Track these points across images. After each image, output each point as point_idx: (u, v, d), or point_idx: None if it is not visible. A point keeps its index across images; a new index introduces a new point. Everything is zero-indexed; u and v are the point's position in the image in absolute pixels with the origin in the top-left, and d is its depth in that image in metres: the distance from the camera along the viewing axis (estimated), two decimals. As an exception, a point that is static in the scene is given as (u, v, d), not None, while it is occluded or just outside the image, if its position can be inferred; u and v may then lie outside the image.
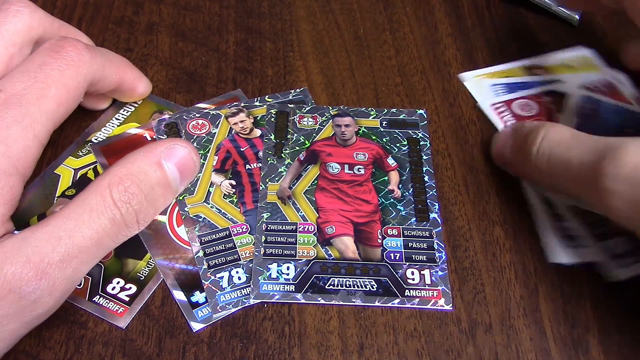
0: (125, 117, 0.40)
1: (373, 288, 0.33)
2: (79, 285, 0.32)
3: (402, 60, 0.44)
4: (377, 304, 0.32)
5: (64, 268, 0.27)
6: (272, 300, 0.32)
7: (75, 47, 0.32)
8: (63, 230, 0.27)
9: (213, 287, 0.33)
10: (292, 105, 0.40)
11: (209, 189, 0.36)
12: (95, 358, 0.30)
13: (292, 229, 0.35)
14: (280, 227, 0.35)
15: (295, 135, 0.39)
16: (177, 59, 0.43)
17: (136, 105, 0.40)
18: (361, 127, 0.39)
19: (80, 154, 0.38)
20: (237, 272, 0.33)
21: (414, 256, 0.34)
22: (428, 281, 0.33)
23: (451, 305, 0.33)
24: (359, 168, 0.37)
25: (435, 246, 0.34)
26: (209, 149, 0.38)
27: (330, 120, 0.40)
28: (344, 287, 0.33)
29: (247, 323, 0.32)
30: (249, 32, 0.45)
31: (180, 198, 0.35)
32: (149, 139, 0.38)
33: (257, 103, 0.40)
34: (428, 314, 0.32)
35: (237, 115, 0.40)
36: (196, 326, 0.32)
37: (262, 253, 0.34)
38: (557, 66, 0.44)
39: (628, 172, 0.28)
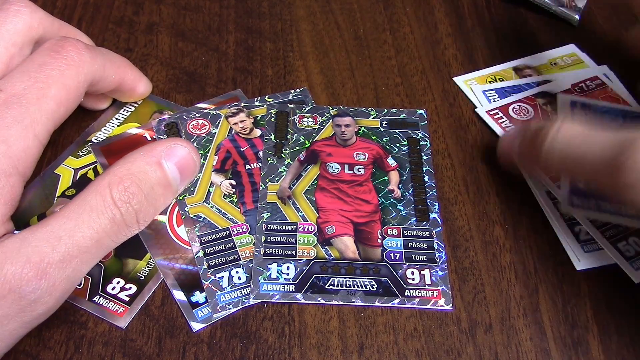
0: (125, 117, 0.40)
1: (373, 288, 0.33)
2: (79, 285, 0.32)
3: (402, 60, 0.44)
4: (377, 304, 0.32)
5: (64, 268, 0.27)
6: (272, 300, 0.32)
7: (76, 47, 0.32)
8: (63, 230, 0.27)
9: (213, 287, 0.33)
10: (292, 105, 0.40)
11: (209, 189, 0.36)
12: (95, 358, 0.30)
13: (292, 229, 0.35)
14: (280, 227, 0.35)
15: (295, 135, 0.39)
16: (177, 59, 0.43)
17: (136, 105, 0.40)
18: (361, 127, 0.40)
19: (80, 154, 0.38)
20: (237, 272, 0.33)
21: (414, 256, 0.34)
22: (428, 281, 0.33)
23: (451, 305, 0.33)
24: (359, 168, 0.37)
25: (435, 246, 0.34)
26: (209, 149, 0.38)
27: (330, 120, 0.40)
28: (344, 287, 0.33)
29: (247, 323, 0.32)
30: (249, 32, 0.45)
31: (180, 198, 0.36)
32: (149, 139, 0.38)
33: (257, 103, 0.40)
34: (428, 314, 0.32)
35: (237, 115, 0.40)
36: (196, 326, 0.32)
37: (262, 253, 0.34)
38: (546, 66, 0.44)
39: None
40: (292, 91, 0.42)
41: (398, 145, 0.39)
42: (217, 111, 0.40)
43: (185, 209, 0.35)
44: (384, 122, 0.40)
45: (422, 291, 0.33)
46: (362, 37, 0.46)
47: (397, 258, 0.34)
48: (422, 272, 0.33)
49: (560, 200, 0.36)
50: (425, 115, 0.40)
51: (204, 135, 0.38)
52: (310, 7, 0.48)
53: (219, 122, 0.39)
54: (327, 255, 0.34)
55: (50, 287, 0.27)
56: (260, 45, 0.45)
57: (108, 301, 0.32)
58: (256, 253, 0.34)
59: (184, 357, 0.31)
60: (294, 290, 0.33)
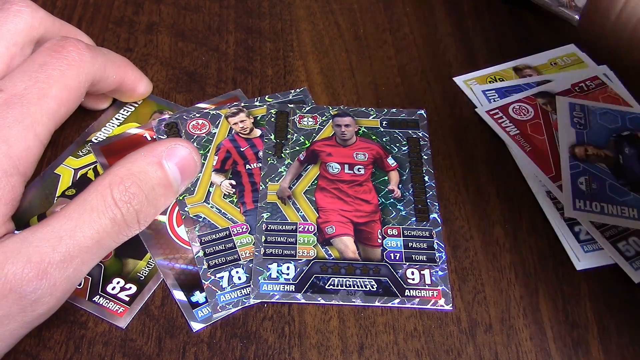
0: (125, 117, 0.40)
1: (373, 288, 0.33)
2: (79, 285, 0.32)
3: (402, 60, 0.44)
4: (377, 304, 0.32)
5: (65, 268, 0.27)
6: (272, 300, 0.32)
7: (77, 47, 0.32)
8: (64, 230, 0.27)
9: (213, 287, 0.33)
10: (292, 105, 0.41)
11: (209, 189, 0.36)
12: (95, 358, 0.30)
13: (292, 229, 0.35)
14: (280, 227, 0.35)
15: (295, 135, 0.39)
16: (177, 59, 0.43)
17: (136, 105, 0.40)
18: (361, 127, 0.40)
19: (80, 154, 0.38)
20: (237, 272, 0.33)
21: (414, 256, 0.34)
22: (428, 281, 0.33)
23: (451, 305, 0.33)
24: (359, 168, 0.37)
25: (435, 246, 0.34)
26: (209, 149, 0.38)
27: (330, 120, 0.40)
28: (344, 287, 0.33)
29: (247, 323, 0.32)
30: (249, 32, 0.45)
31: (181, 198, 0.36)
32: (149, 139, 0.38)
33: (257, 103, 0.40)
34: (428, 314, 0.33)
35: (237, 115, 0.40)
36: (196, 326, 0.32)
37: (262, 253, 0.34)
38: (546, 66, 0.44)
39: None
40: (292, 91, 0.42)
41: (398, 145, 0.39)
42: (217, 111, 0.40)
43: (185, 209, 0.35)
44: (384, 122, 0.40)
45: (422, 291, 0.33)
46: (362, 37, 0.46)
47: (397, 258, 0.34)
48: (422, 272, 0.33)
49: (564, 204, 0.36)
50: (425, 115, 0.40)
51: (204, 135, 0.39)
52: (310, 7, 0.48)
53: (219, 122, 0.39)
54: (327, 255, 0.34)
55: (51, 287, 0.27)
56: (260, 45, 0.45)
57: (108, 301, 0.32)
58: (256, 253, 0.34)
59: (184, 357, 0.31)
60: (294, 290, 0.33)
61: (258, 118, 0.40)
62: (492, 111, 0.41)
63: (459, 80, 0.43)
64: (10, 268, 0.26)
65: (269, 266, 0.33)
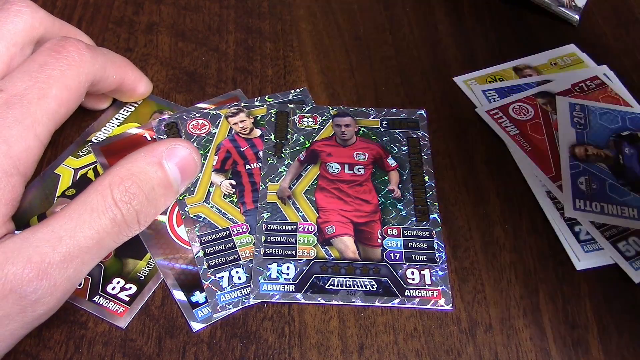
0: (125, 117, 0.40)
1: (373, 288, 0.33)
2: (79, 285, 0.32)
3: (402, 60, 0.44)
4: (377, 304, 0.32)
5: (65, 268, 0.27)
6: (272, 300, 0.32)
7: (77, 47, 0.32)
8: (64, 231, 0.27)
9: (213, 287, 0.33)
10: (292, 105, 0.41)
11: (209, 189, 0.36)
12: (95, 358, 0.30)
13: (292, 229, 0.35)
14: (280, 227, 0.35)
15: (295, 135, 0.39)
16: (177, 59, 0.43)
17: (136, 105, 0.40)
18: (361, 127, 0.40)
19: (80, 154, 0.38)
20: (237, 272, 0.33)
21: (414, 256, 0.34)
22: (428, 281, 0.33)
23: (451, 305, 0.33)
24: (359, 168, 0.37)
25: (435, 246, 0.34)
26: (209, 149, 0.38)
27: (330, 120, 0.40)
28: (344, 287, 0.33)
29: (247, 323, 0.32)
30: (249, 32, 0.45)
31: (181, 198, 0.36)
32: (149, 139, 0.38)
33: (257, 103, 0.40)
34: (428, 314, 0.33)
35: (237, 115, 0.40)
36: (196, 326, 0.32)
37: (262, 253, 0.34)
38: (546, 66, 0.44)
39: None
40: (292, 91, 0.42)
41: (398, 145, 0.39)
42: (217, 111, 0.40)
43: (185, 209, 0.35)
44: (384, 122, 0.40)
45: (422, 291, 0.33)
46: (362, 37, 0.46)
47: (397, 258, 0.34)
48: (422, 272, 0.34)
49: (564, 204, 0.36)
50: (425, 115, 0.40)
51: (204, 135, 0.39)
52: (310, 7, 0.48)
53: (219, 122, 0.39)
54: (327, 255, 0.34)
55: (51, 288, 0.27)
56: (260, 45, 0.45)
57: (108, 301, 0.32)
58: (256, 253, 0.34)
59: (184, 357, 0.31)
60: (294, 290, 0.33)
61: (258, 118, 0.40)
62: (492, 111, 0.41)
63: (459, 80, 0.43)
64: (10, 268, 0.26)
65: (269, 266, 0.33)
